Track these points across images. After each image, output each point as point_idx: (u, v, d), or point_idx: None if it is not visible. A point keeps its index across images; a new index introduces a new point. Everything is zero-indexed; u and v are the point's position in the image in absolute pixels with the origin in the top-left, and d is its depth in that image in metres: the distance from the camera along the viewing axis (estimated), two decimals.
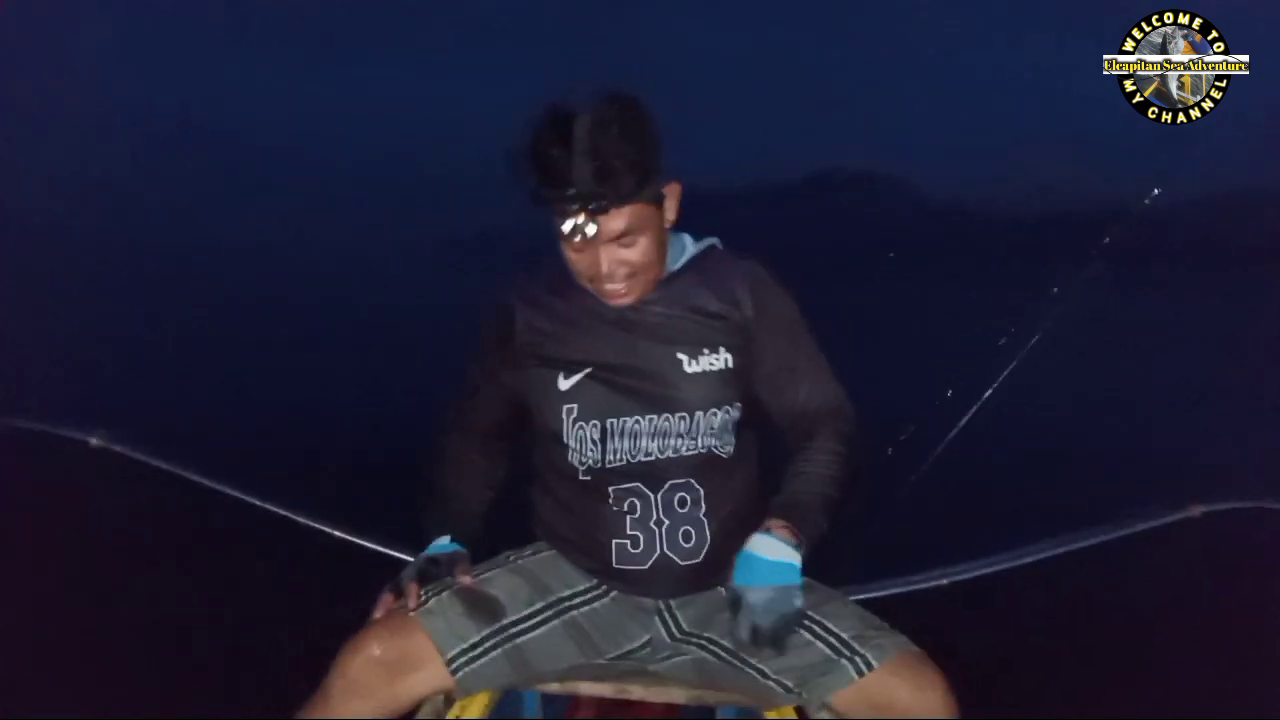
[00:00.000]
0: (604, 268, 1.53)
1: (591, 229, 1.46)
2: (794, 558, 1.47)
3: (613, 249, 1.52)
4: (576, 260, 1.56)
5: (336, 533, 2.37)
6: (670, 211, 1.60)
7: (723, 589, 1.53)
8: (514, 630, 1.57)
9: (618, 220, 1.48)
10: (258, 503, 2.41)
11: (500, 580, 1.64)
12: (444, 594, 1.57)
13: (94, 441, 2.49)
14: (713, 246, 1.73)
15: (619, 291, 1.57)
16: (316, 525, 2.40)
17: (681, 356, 1.61)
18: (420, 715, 1.50)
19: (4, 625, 3.73)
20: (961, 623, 2.66)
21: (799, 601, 1.47)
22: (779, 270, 1.72)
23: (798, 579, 1.47)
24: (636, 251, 1.54)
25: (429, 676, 1.49)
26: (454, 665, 1.50)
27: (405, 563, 1.96)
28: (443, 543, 1.68)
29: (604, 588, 1.68)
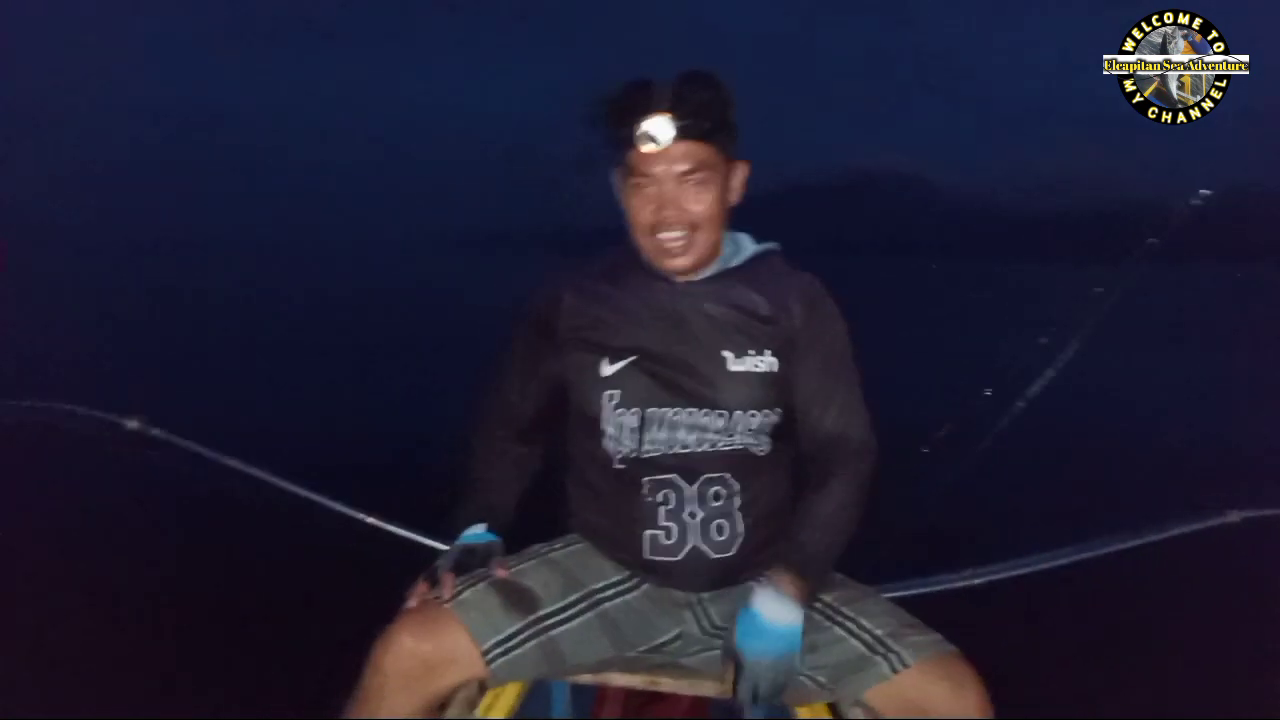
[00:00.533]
0: (667, 208, 1.55)
1: (665, 133, 1.48)
2: (797, 620, 1.48)
3: (677, 190, 1.54)
4: (640, 207, 1.57)
5: (369, 519, 2.39)
6: (736, 188, 1.63)
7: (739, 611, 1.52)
8: (548, 623, 1.56)
9: (688, 153, 1.52)
10: (292, 488, 2.43)
11: (534, 573, 1.63)
12: (479, 586, 1.57)
13: (131, 424, 2.53)
14: (772, 251, 1.74)
15: (677, 244, 1.57)
16: (348, 511, 2.42)
17: (726, 354, 1.61)
18: (454, 704, 1.50)
19: (42, 605, 3.80)
20: (994, 623, 2.64)
21: (797, 663, 1.48)
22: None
23: (798, 644, 1.48)
24: (699, 202, 1.55)
25: (465, 668, 1.49)
26: (489, 657, 1.49)
27: (429, 548, 1.97)
28: (478, 531, 1.69)
29: (635, 580, 1.68)
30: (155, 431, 2.53)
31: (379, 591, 1.62)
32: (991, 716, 1.43)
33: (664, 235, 1.57)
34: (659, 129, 1.49)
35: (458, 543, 1.67)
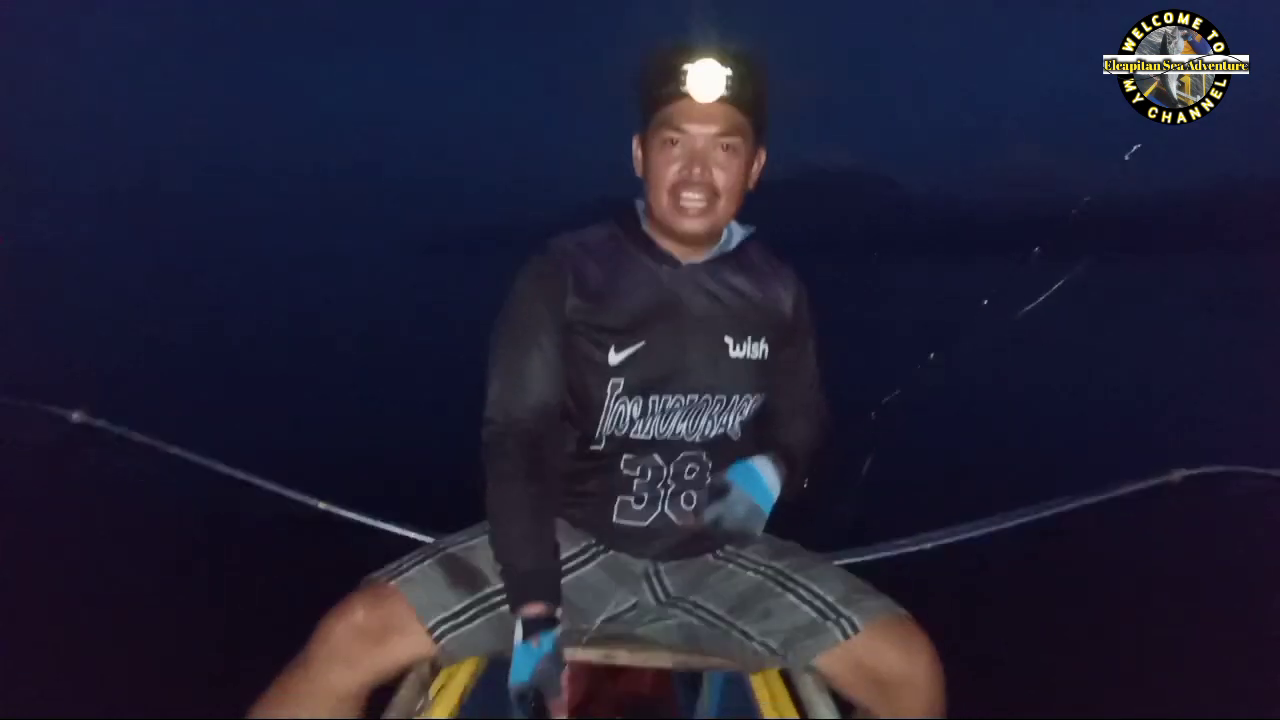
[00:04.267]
0: (695, 164, 1.54)
1: (715, 80, 1.48)
2: (776, 494, 1.59)
3: (708, 151, 1.54)
4: (667, 163, 1.55)
5: (320, 505, 2.37)
6: (755, 174, 1.64)
7: (716, 504, 1.55)
8: (497, 599, 1.55)
9: (726, 115, 1.52)
10: (243, 476, 2.41)
11: (484, 549, 1.61)
12: (426, 563, 1.57)
13: (75, 417, 2.48)
14: (753, 236, 1.75)
15: (696, 206, 1.56)
16: (302, 499, 2.40)
17: (728, 340, 1.63)
18: (406, 684, 1.50)
19: None
20: (945, 587, 2.68)
21: (759, 530, 1.60)
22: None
23: (768, 510, 1.58)
24: (727, 168, 1.55)
25: (411, 643, 1.48)
26: (437, 632, 1.49)
27: (384, 533, 1.95)
28: (537, 649, 1.43)
29: (593, 552, 1.68)
30: (99, 423, 2.49)
31: (328, 577, 1.60)
32: (942, 678, 1.46)
33: (687, 195, 1.56)
34: (712, 73, 1.48)
35: (527, 684, 1.40)
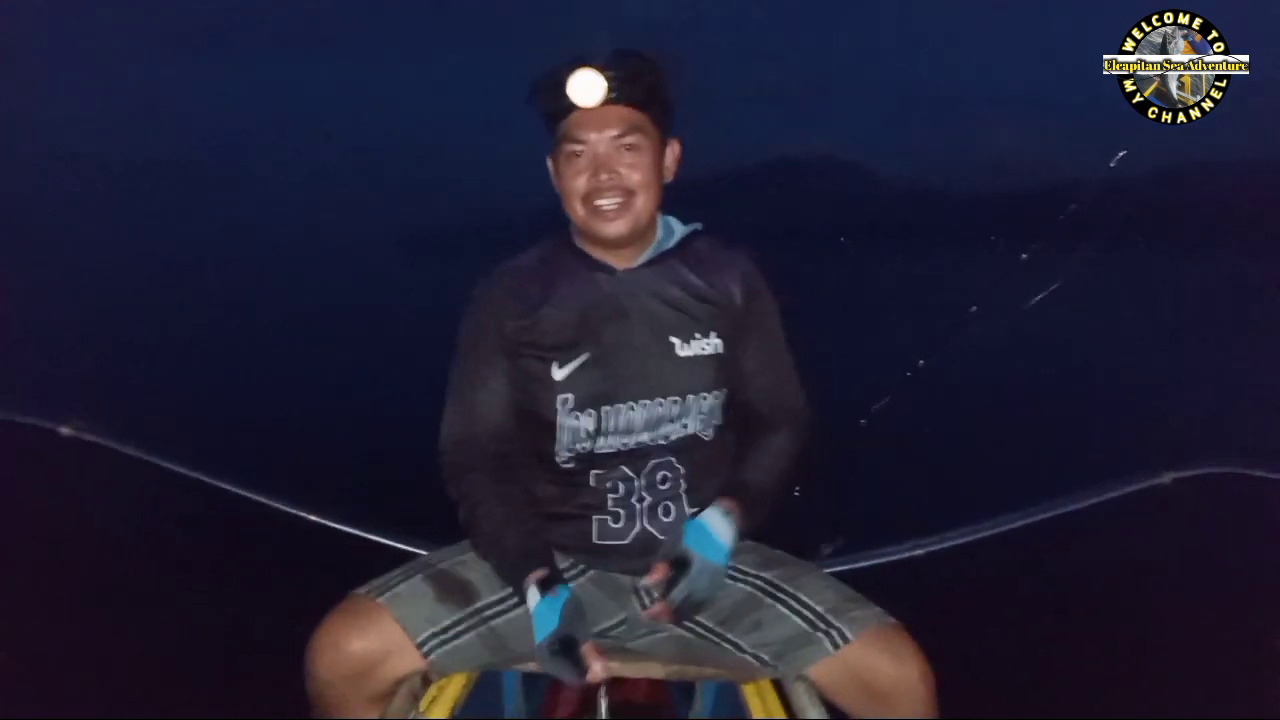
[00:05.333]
0: (601, 172, 1.55)
1: (596, 87, 1.50)
2: (731, 547, 1.55)
3: (611, 155, 1.55)
4: (574, 175, 1.57)
5: (310, 517, 2.36)
6: (670, 165, 1.65)
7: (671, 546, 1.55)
8: (489, 613, 1.56)
9: (621, 117, 1.54)
10: (232, 489, 2.39)
11: (475, 564, 1.62)
12: (414, 578, 1.57)
13: (65, 430, 2.46)
14: (697, 231, 1.74)
15: (612, 208, 1.57)
16: (289, 509, 2.38)
17: (674, 340, 1.61)
18: (397, 696, 1.49)
19: None
20: (936, 594, 2.68)
21: (722, 589, 1.55)
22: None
23: (726, 563, 1.54)
24: (634, 167, 1.56)
25: (402, 661, 1.48)
26: (426, 648, 1.49)
27: (374, 544, 1.94)
28: (554, 600, 1.46)
29: (581, 567, 1.68)
30: (90, 437, 2.47)
31: (322, 589, 1.60)
32: (933, 687, 1.45)
33: (599, 201, 1.57)
34: (590, 83, 1.50)
35: (556, 632, 1.42)
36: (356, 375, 12.08)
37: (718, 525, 1.54)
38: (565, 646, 1.39)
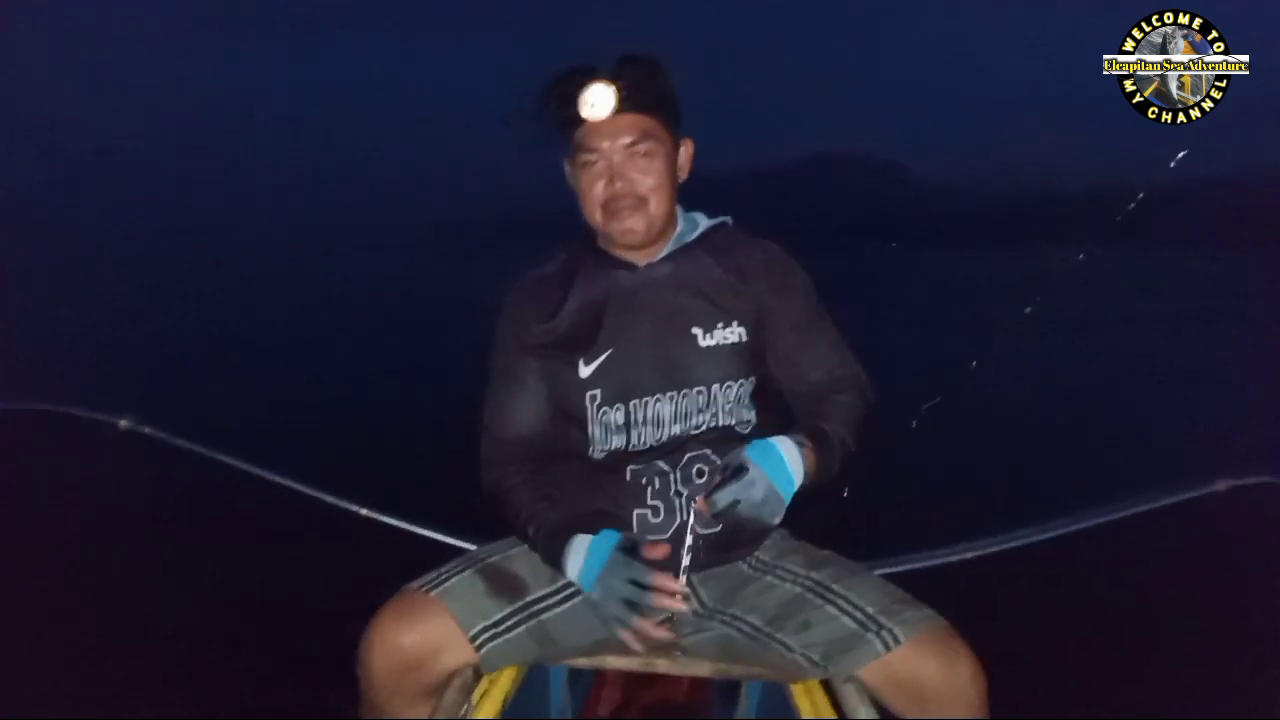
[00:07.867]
0: (617, 180, 1.59)
1: (606, 99, 1.53)
2: (799, 480, 1.47)
3: (625, 163, 1.59)
4: (590, 184, 1.61)
5: (363, 511, 2.39)
6: (684, 165, 1.68)
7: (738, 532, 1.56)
8: (537, 607, 1.58)
9: (632, 124, 1.57)
10: (287, 483, 2.43)
11: (522, 559, 1.64)
12: (466, 572, 1.59)
13: (123, 424, 2.52)
14: (724, 223, 1.76)
15: (627, 217, 1.61)
16: (343, 505, 2.42)
17: (696, 330, 1.63)
18: (450, 690, 1.51)
19: (34, 608, 3.79)
20: (986, 598, 2.66)
21: (777, 520, 1.47)
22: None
23: (789, 498, 1.46)
24: (648, 173, 1.60)
25: (455, 655, 1.51)
26: (478, 642, 1.51)
27: (425, 540, 1.97)
28: (603, 542, 1.52)
29: None
30: (146, 430, 2.53)
31: (374, 584, 1.63)
32: (985, 692, 1.44)
33: (617, 208, 1.61)
34: (600, 95, 1.53)
35: (613, 541, 1.49)
36: (412, 369, 12.18)
37: (788, 450, 1.48)
38: (630, 553, 1.45)
